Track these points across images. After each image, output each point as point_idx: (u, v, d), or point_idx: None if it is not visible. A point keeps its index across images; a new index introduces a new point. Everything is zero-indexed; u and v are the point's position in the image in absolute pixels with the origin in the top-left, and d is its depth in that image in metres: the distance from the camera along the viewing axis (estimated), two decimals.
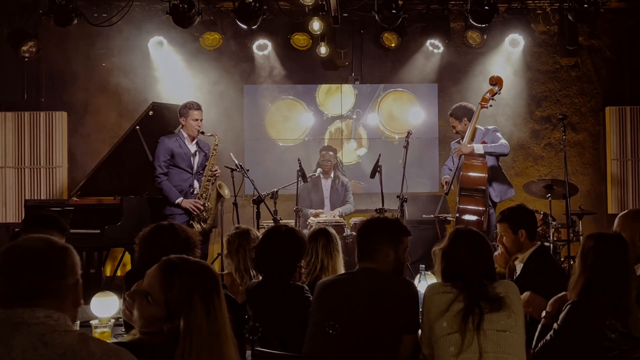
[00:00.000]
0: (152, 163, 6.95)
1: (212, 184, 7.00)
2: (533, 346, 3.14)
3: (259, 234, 4.38)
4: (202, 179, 6.99)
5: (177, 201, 6.82)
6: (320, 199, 8.35)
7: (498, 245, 4.25)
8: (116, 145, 7.38)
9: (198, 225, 6.78)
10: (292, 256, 3.73)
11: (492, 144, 7.04)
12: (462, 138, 7.16)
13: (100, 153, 8.93)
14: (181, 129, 7.03)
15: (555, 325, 3.12)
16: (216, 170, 7.00)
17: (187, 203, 6.82)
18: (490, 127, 7.30)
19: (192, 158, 6.99)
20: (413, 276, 5.49)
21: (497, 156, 7.15)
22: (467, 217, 6.76)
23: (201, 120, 7.01)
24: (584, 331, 3.02)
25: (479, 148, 6.99)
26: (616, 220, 3.96)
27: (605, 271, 3.11)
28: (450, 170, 7.34)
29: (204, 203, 6.89)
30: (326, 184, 8.40)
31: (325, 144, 9.44)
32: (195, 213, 6.83)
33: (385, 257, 3.37)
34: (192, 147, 7.02)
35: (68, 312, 2.10)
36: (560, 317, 3.11)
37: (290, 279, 3.73)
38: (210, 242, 7.49)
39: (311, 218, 7.86)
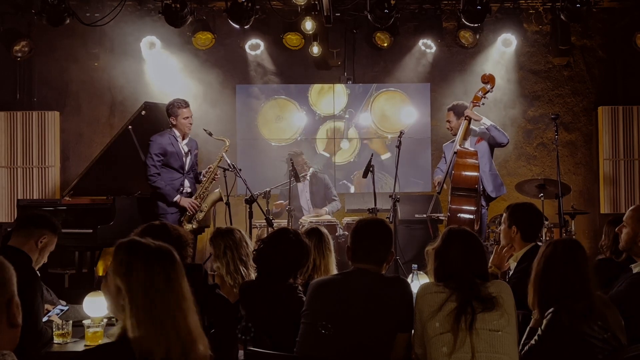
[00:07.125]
0: (145, 162, 6.92)
1: (211, 184, 7.02)
2: (520, 349, 3.14)
3: (245, 233, 4.38)
4: (203, 180, 7.00)
5: (175, 199, 6.80)
6: (298, 206, 8.30)
7: (491, 245, 4.26)
8: (109, 145, 7.36)
9: (188, 225, 6.77)
10: (293, 263, 3.72)
11: (498, 128, 7.00)
12: (455, 135, 7.13)
13: (92, 153, 8.94)
14: (172, 128, 6.98)
15: (539, 330, 3.12)
16: (217, 174, 7.02)
17: (186, 202, 6.82)
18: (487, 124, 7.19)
19: (184, 158, 6.96)
20: (405, 276, 5.49)
21: (497, 142, 6.99)
22: (459, 216, 6.74)
23: (191, 116, 6.97)
24: (567, 337, 3.01)
25: (487, 120, 6.96)
26: (627, 213, 3.88)
27: (561, 276, 3.12)
28: (443, 171, 7.25)
29: (200, 203, 6.89)
30: (302, 188, 8.37)
31: (317, 144, 9.43)
32: (191, 212, 6.82)
33: (381, 257, 3.38)
34: (185, 147, 6.99)
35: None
36: (543, 322, 3.10)
37: (285, 282, 3.72)
38: (204, 241, 7.48)
39: (303, 217, 7.85)
